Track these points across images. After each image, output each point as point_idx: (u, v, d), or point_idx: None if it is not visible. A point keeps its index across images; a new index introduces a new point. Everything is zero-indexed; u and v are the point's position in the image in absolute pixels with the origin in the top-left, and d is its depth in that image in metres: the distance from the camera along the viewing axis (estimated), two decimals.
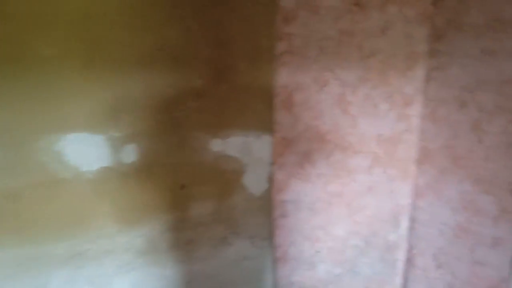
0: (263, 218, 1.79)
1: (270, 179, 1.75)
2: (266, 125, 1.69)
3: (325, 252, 1.92)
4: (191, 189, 1.55)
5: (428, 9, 1.74)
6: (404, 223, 1.96)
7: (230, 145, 1.60)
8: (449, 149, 1.70)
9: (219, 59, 1.49)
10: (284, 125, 1.72)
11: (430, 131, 1.80)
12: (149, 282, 1.56)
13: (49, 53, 1.23)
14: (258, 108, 1.63)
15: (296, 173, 1.80)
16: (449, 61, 1.68)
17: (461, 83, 1.63)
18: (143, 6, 1.34)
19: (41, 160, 1.28)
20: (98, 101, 1.33)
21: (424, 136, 1.83)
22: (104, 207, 1.42)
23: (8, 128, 1.23)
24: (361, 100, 1.78)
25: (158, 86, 1.42)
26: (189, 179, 1.54)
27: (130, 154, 1.42)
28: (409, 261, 1.96)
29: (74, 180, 1.35)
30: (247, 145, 1.64)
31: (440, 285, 1.76)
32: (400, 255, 1.99)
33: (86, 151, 1.35)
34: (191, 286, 1.65)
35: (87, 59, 1.29)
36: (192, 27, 1.42)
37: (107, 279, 1.47)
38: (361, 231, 1.94)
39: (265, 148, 1.72)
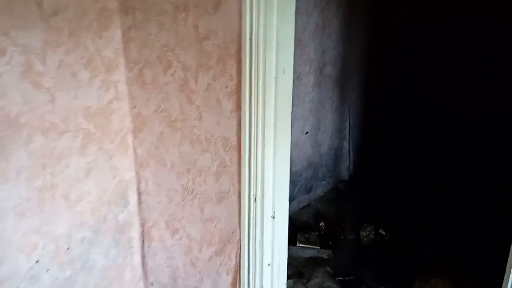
0: None
1: None
2: None
3: (46, 258, 1.59)
4: None
5: None
6: (133, 199, 1.83)
7: None
8: (163, 113, 1.63)
9: None
10: None
11: (141, 96, 1.68)
12: None
13: None
14: None
15: None
16: (145, 18, 1.56)
17: (161, 43, 1.55)
18: None
19: None
20: None
21: (136, 103, 1.70)
22: None
23: None
24: (55, 69, 1.47)
25: None
26: None
27: None
28: (145, 236, 1.86)
29: None
30: None
31: (179, 251, 1.75)
32: (135, 233, 1.87)
33: None
34: None
35: None
36: None
37: None
38: (87, 220, 1.69)
39: None
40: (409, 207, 3.37)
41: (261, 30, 1.35)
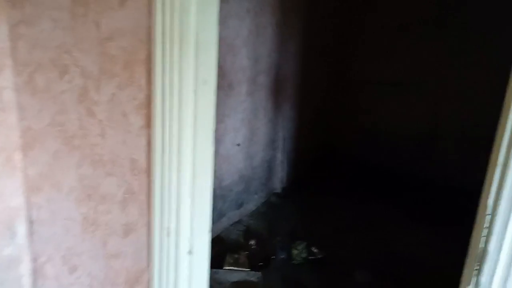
0: None
1: None
2: None
3: None
4: None
5: None
6: (22, 229, 1.51)
7: None
8: (59, 127, 1.35)
9: None
10: None
11: (32, 106, 1.38)
12: None
13: None
14: None
15: None
16: (37, 13, 1.28)
17: (56, 42, 1.27)
18: None
19: None
20: None
21: (25, 114, 1.40)
22: None
23: None
24: None
25: None
26: None
27: None
28: (37, 273, 1.55)
29: None
30: None
31: None
32: (24, 269, 1.54)
33: None
34: None
35: None
36: None
37: None
38: None
39: None
40: (342, 220, 3.30)
41: (176, 32, 1.13)
